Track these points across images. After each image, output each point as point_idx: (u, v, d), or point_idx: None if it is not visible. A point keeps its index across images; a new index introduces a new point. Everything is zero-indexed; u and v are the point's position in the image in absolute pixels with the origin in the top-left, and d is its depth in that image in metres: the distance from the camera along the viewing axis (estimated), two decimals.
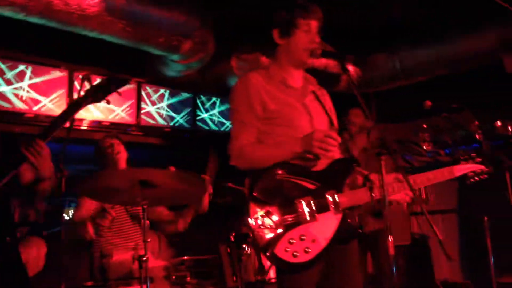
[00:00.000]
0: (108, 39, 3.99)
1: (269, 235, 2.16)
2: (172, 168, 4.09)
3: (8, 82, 4.28)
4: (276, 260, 2.16)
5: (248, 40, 5.08)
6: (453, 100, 5.76)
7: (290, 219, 2.19)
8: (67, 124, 2.53)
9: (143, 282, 2.86)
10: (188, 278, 3.39)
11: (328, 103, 2.58)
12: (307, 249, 2.17)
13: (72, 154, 4.82)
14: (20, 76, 4.34)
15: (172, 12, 4.06)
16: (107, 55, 4.62)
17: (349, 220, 2.29)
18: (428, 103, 3.61)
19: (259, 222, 2.16)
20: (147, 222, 2.93)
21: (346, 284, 2.33)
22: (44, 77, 4.47)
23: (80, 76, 3.17)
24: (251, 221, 2.17)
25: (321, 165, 2.33)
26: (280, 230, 2.16)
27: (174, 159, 4.31)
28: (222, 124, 5.75)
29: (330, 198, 2.27)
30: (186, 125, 5.42)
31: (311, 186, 2.28)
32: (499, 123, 6.02)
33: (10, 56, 4.32)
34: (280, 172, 2.25)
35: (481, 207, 4.89)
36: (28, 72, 4.39)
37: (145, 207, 2.92)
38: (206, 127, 5.59)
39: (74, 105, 2.46)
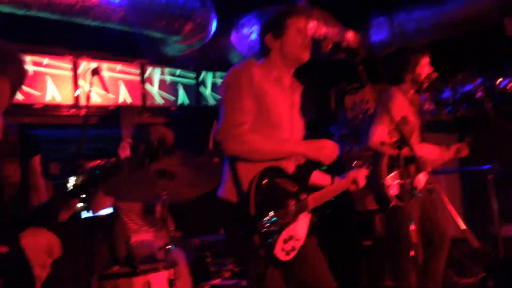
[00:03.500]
0: (111, 26, 4.00)
1: (269, 239, 2.25)
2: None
3: None
4: (273, 260, 2.27)
5: (247, 13, 5.06)
6: (455, 61, 5.80)
7: (283, 221, 2.31)
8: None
9: (169, 267, 3.01)
10: (209, 259, 3.52)
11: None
12: (294, 247, 2.33)
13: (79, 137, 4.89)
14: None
15: None
16: (108, 38, 4.62)
17: (314, 219, 2.50)
18: (434, 74, 3.65)
19: (262, 229, 2.25)
20: None
21: (317, 273, 2.47)
22: (48, 67, 4.50)
23: (90, 70, 3.20)
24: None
25: (290, 167, 2.48)
26: (277, 233, 2.28)
27: (182, 138, 4.37)
28: None
29: (305, 200, 2.45)
30: (190, 103, 5.49)
31: (293, 189, 2.43)
32: (500, 79, 6.08)
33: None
34: (267, 179, 2.32)
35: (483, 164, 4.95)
36: (33, 63, 4.40)
37: (165, 197, 3.02)
38: (209, 104, 5.66)
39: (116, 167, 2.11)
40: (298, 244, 2.36)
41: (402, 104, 3.50)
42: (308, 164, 2.54)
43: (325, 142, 2.43)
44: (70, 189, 2.10)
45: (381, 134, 3.29)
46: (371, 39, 5.71)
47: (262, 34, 2.51)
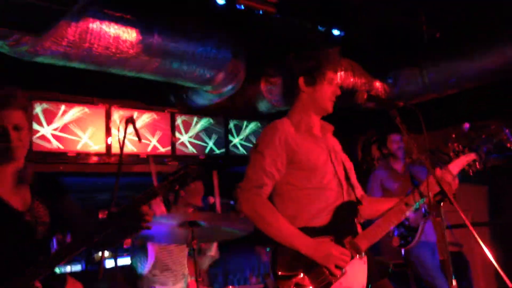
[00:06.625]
0: (145, 77, 4.09)
1: None
2: (212, 199, 4.18)
3: (48, 123, 4.40)
4: None
5: (276, 63, 5.13)
6: (482, 109, 5.75)
7: (320, 282, 2.18)
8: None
9: None
10: None
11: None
12: None
13: (109, 184, 4.91)
14: (59, 116, 4.46)
15: (204, 47, 4.15)
16: (139, 88, 4.73)
17: (375, 260, 2.34)
18: (466, 125, 3.59)
19: None
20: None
21: None
22: (81, 115, 4.60)
23: (124, 120, 3.24)
24: None
25: (325, 218, 2.33)
26: None
27: (211, 186, 4.38)
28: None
29: (349, 246, 2.28)
30: (218, 151, 5.52)
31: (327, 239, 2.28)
32: None
33: (46, 97, 4.44)
34: None
35: None
36: (67, 112, 4.51)
37: (194, 246, 3.02)
38: (238, 152, 5.69)
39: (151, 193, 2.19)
40: None
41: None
42: (346, 208, 2.40)
43: (333, 251, 2.22)
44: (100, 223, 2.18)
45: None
46: (399, 90, 5.71)
47: (295, 76, 2.48)
